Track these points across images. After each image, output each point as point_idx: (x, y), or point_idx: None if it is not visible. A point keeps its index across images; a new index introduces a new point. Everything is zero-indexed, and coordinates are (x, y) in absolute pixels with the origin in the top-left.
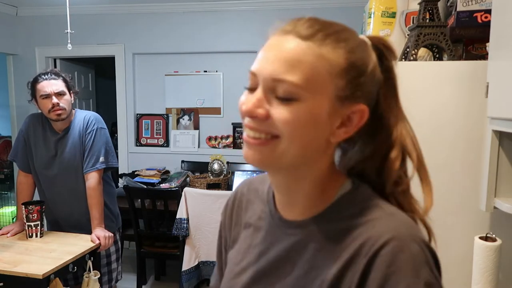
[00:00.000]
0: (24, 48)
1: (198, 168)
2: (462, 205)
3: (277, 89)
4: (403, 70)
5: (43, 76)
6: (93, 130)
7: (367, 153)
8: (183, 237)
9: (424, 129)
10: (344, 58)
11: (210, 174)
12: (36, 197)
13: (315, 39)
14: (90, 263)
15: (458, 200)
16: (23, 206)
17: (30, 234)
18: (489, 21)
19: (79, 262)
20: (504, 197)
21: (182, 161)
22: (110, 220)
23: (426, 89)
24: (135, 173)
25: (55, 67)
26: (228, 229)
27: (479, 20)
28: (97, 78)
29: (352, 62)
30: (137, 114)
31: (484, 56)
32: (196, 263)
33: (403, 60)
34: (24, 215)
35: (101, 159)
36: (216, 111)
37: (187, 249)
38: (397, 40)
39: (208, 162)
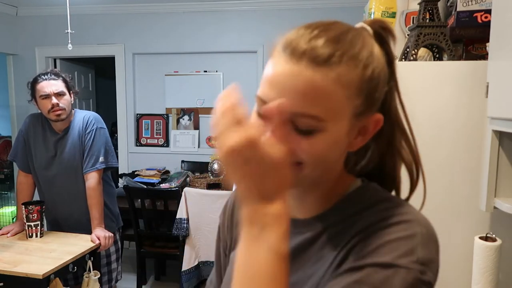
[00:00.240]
0: (24, 48)
1: (198, 168)
2: (462, 205)
3: (297, 122)
4: (403, 70)
5: (42, 76)
6: (93, 130)
7: (379, 153)
8: (183, 237)
9: (424, 129)
10: (360, 77)
11: (210, 174)
12: (36, 197)
13: (331, 63)
14: (90, 263)
15: (458, 200)
16: (23, 206)
17: (30, 234)
18: (489, 21)
19: (79, 262)
20: (504, 197)
21: (182, 161)
22: (110, 220)
23: (426, 89)
24: (135, 173)
25: (55, 67)
26: (228, 231)
27: (479, 20)
28: (97, 78)
29: (367, 78)
30: (137, 114)
31: (484, 56)
32: (196, 263)
33: (403, 60)
34: (24, 215)
35: (101, 159)
36: None
37: (187, 249)
38: (397, 40)
39: (208, 162)
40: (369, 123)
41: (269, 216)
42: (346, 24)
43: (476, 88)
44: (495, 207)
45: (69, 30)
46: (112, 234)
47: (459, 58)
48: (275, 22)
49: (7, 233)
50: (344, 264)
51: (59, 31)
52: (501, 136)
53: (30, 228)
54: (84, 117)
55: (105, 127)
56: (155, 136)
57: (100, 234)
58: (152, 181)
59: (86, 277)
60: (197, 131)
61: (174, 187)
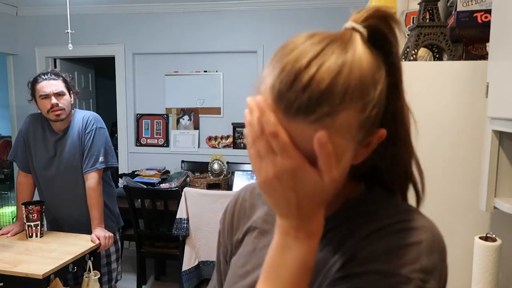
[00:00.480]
0: (24, 48)
1: (198, 168)
2: (462, 205)
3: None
4: (403, 70)
5: (42, 76)
6: (92, 130)
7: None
8: (183, 237)
9: (424, 129)
10: (359, 116)
11: (210, 174)
12: (36, 197)
13: (326, 115)
14: (90, 263)
15: (458, 200)
16: (23, 206)
17: (30, 234)
18: (489, 21)
19: (79, 262)
20: (504, 197)
21: (182, 161)
22: (110, 220)
23: (426, 89)
24: (135, 173)
25: (55, 67)
26: (229, 236)
27: (479, 20)
28: (97, 78)
29: (367, 114)
30: (137, 114)
31: (484, 56)
32: (196, 263)
33: (403, 60)
34: (24, 215)
35: (101, 159)
36: (216, 111)
37: (187, 249)
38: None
39: (208, 162)
40: (372, 139)
41: (303, 232)
42: (336, 53)
43: (476, 88)
44: (495, 207)
45: (69, 30)
46: (112, 234)
47: (459, 58)
48: (275, 22)
49: (7, 233)
50: (345, 269)
51: (59, 31)
52: (501, 136)
53: (30, 228)
54: (83, 117)
55: (105, 127)
56: (155, 136)
57: (100, 234)
58: (152, 181)
59: (86, 277)
60: (197, 131)
61: (174, 187)
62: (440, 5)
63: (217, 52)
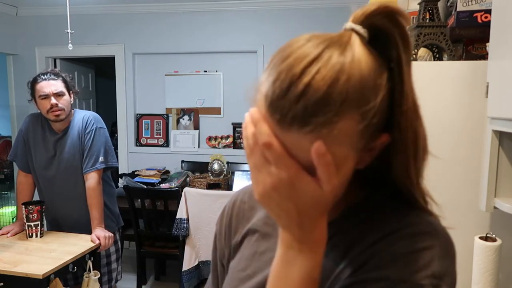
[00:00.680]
0: (24, 48)
1: (198, 168)
2: (462, 205)
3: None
4: (411, 71)
5: (42, 76)
6: (92, 130)
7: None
8: (183, 237)
9: None
10: (359, 124)
11: (210, 174)
12: (36, 197)
13: (322, 126)
14: (90, 263)
15: (458, 200)
16: (23, 206)
17: (30, 234)
18: (489, 21)
19: (79, 262)
20: (504, 197)
21: (182, 161)
22: (110, 220)
23: (426, 89)
24: (135, 173)
25: (55, 67)
26: (227, 239)
27: (479, 20)
28: (97, 78)
29: (368, 123)
30: (137, 114)
31: (484, 56)
32: (196, 263)
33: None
34: (24, 215)
35: (101, 159)
36: (216, 111)
37: (187, 249)
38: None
39: (208, 162)
40: (375, 144)
41: (306, 245)
42: (334, 58)
43: (476, 88)
44: (495, 207)
45: (69, 30)
46: (112, 234)
47: (459, 58)
48: (275, 22)
49: (7, 233)
50: (355, 275)
51: (59, 31)
52: (501, 136)
53: (30, 228)
54: (83, 117)
55: (105, 127)
56: (155, 136)
57: (100, 234)
58: (152, 181)
59: (86, 277)
60: (197, 131)
61: (174, 187)
62: (440, 5)
63: (217, 52)
